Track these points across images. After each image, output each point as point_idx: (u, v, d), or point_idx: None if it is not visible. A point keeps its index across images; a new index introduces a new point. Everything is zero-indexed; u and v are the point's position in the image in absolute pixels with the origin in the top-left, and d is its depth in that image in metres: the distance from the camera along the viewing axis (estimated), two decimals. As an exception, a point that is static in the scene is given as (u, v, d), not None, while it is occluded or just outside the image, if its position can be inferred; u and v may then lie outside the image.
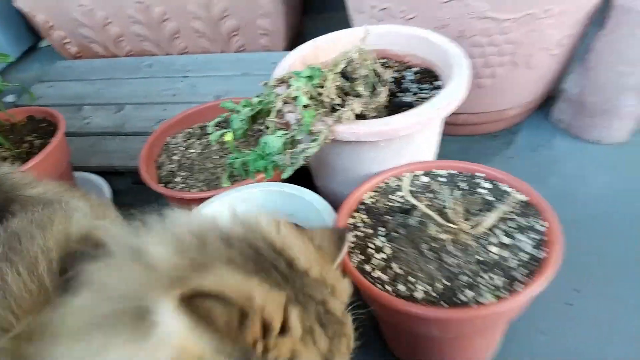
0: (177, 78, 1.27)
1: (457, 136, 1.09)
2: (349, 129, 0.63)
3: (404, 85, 0.79)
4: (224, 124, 0.76)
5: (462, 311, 0.49)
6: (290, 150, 0.63)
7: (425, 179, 0.69)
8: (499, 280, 0.53)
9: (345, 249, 0.39)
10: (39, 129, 0.92)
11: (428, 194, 0.66)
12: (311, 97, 0.67)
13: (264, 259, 0.31)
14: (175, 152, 0.85)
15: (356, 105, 0.64)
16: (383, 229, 0.62)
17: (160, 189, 0.75)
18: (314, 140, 0.62)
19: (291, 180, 0.73)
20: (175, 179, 0.80)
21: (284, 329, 0.28)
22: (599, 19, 0.92)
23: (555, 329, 0.73)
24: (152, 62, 1.34)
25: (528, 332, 0.72)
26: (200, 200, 0.71)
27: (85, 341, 0.27)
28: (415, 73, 0.81)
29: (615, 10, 0.87)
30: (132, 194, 1.04)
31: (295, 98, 0.65)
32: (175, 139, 0.88)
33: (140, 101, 1.18)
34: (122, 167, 1.00)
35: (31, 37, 1.64)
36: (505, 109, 1.02)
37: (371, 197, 0.67)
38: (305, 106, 0.66)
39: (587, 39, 0.96)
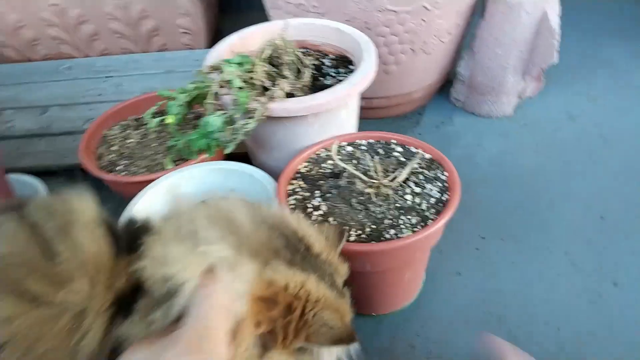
0: (100, 78, 1.28)
1: (373, 119, 1.22)
2: (281, 105, 0.72)
3: (324, 71, 0.90)
4: (158, 114, 0.81)
5: (388, 243, 0.60)
6: (230, 127, 0.70)
7: (349, 148, 0.80)
8: (414, 220, 0.65)
9: (344, 243, 0.48)
10: (-37, 132, 0.91)
11: (353, 160, 0.77)
12: (244, 81, 0.75)
13: (291, 245, 0.39)
14: (113, 143, 0.89)
15: (285, 85, 0.73)
16: (318, 192, 0.72)
17: (105, 175, 0.79)
18: (251, 117, 0.70)
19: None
20: (117, 168, 0.84)
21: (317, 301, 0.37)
22: (481, 10, 1.09)
23: (467, 269, 0.87)
24: (71, 65, 1.33)
25: (446, 273, 0.86)
26: (145, 184, 0.76)
27: (193, 239, 0.34)
28: (332, 60, 0.91)
29: (490, 2, 1.04)
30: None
31: (229, 82, 0.73)
32: (111, 131, 0.92)
33: (64, 102, 1.18)
34: (56, 166, 1.00)
35: None
36: (410, 91, 1.16)
37: (305, 167, 0.77)
38: (240, 88, 0.74)
39: (472, 28, 1.13)
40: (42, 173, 1.02)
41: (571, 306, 0.80)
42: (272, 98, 0.72)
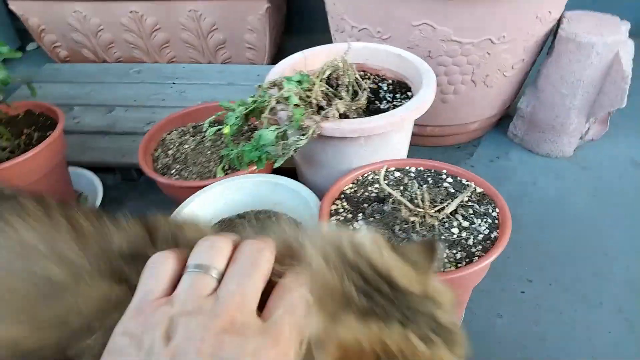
0: (166, 84, 1.34)
1: (424, 146, 1.21)
2: (334, 125, 0.72)
3: (380, 95, 0.90)
4: (216, 124, 0.84)
5: (428, 275, 0.59)
6: (282, 142, 0.71)
7: (397, 174, 0.79)
8: (459, 255, 0.63)
9: (436, 259, 0.39)
10: (37, 123, 0.97)
11: (400, 187, 0.76)
12: (300, 99, 0.77)
13: (369, 285, 0.33)
14: (170, 147, 0.92)
15: (340, 106, 0.74)
16: (361, 215, 0.71)
17: (159, 177, 0.82)
18: (303, 134, 0.71)
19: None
20: (171, 171, 0.87)
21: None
22: (549, 46, 1.06)
23: (511, 313, 0.83)
24: (141, 69, 1.41)
25: (488, 315, 0.83)
26: (195, 189, 0.79)
27: None
28: (390, 84, 0.91)
29: (559, 40, 1.01)
30: (121, 189, 1.10)
31: (287, 98, 0.75)
32: (170, 135, 0.95)
33: (130, 104, 1.25)
34: (115, 163, 1.06)
35: (17, 39, 1.69)
36: (467, 122, 1.14)
37: (351, 188, 0.76)
38: (296, 105, 0.75)
39: (538, 64, 1.10)
40: (100, 169, 1.08)
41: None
42: (326, 117, 0.73)
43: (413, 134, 1.16)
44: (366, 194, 0.75)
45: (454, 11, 0.91)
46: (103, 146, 1.11)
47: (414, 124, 1.08)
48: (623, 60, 0.98)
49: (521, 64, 1.06)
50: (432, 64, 0.99)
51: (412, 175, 0.79)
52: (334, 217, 0.71)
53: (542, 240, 0.95)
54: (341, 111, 0.75)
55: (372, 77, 0.94)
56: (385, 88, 0.91)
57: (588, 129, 1.12)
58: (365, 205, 0.73)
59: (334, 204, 0.74)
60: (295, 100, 0.74)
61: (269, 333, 0.29)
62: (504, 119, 1.23)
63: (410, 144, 1.07)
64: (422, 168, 0.80)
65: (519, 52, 1.02)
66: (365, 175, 0.78)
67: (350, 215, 0.72)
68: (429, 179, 0.77)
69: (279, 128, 0.73)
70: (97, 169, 1.09)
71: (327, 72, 0.79)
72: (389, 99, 0.88)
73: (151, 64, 1.46)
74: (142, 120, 1.18)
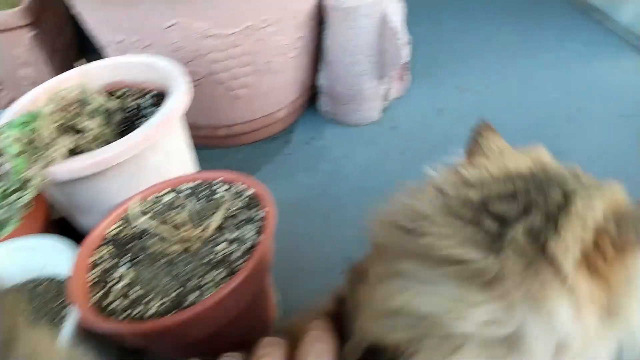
0: None
1: (240, 146, 1.15)
2: (62, 167, 0.63)
3: (143, 112, 0.81)
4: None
5: (180, 314, 0.52)
6: (5, 203, 0.61)
7: (169, 197, 0.71)
8: (221, 274, 0.57)
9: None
10: None
11: (173, 211, 0.69)
12: (29, 143, 0.66)
13: (517, 197, 0.33)
14: None
15: (67, 142, 0.65)
16: (126, 257, 0.63)
17: None
18: (28, 188, 0.61)
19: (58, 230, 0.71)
20: None
21: None
22: (324, 19, 1.04)
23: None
24: None
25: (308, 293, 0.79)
26: None
27: None
28: (153, 97, 0.83)
29: (327, 10, 0.99)
30: None
31: (5, 148, 0.64)
32: None
33: None
34: None
35: None
36: (272, 112, 1.10)
37: (116, 228, 0.68)
38: (21, 153, 0.64)
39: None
40: None
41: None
42: (51, 161, 0.63)
43: (223, 137, 1.10)
44: (132, 231, 0.67)
45: (202, 4, 0.84)
46: None
47: (220, 127, 1.02)
48: (390, 17, 0.99)
49: (302, 41, 1.03)
50: (204, 63, 0.92)
51: (187, 193, 0.72)
52: (96, 269, 0.62)
53: (360, 213, 0.93)
54: (70, 148, 0.66)
55: (135, 93, 0.85)
56: (150, 102, 0.83)
57: (387, 89, 1.13)
58: (131, 244, 0.65)
59: (95, 254, 0.65)
60: (15, 149, 0.63)
61: None
62: (315, 98, 1.20)
63: (224, 147, 1.01)
64: (199, 181, 0.73)
65: (292, 31, 0.98)
66: (130, 210, 0.70)
67: (115, 261, 0.63)
68: (204, 192, 0.71)
69: (2, 186, 0.62)
70: None
71: (50, 107, 0.69)
72: (151, 114, 0.80)
73: None
74: None
